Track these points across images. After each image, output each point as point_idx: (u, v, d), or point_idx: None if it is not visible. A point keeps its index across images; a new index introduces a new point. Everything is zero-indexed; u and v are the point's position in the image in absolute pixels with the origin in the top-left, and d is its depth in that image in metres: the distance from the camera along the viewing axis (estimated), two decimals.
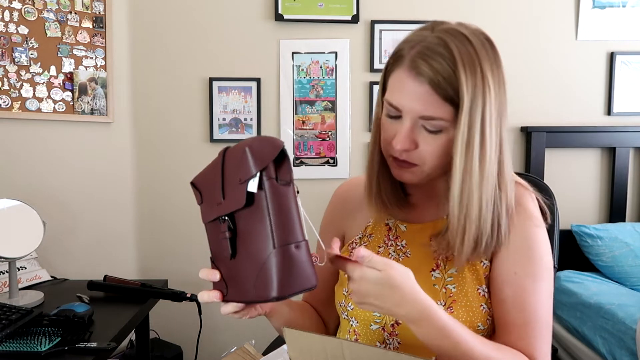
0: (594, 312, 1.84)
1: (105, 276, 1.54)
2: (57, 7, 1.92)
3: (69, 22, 1.95)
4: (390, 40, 2.26)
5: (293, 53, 2.27)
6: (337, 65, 2.28)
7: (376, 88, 2.25)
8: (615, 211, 2.35)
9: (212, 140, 2.27)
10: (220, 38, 2.26)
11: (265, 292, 0.62)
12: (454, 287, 0.82)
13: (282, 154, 0.64)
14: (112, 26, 2.06)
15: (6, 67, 1.82)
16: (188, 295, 1.50)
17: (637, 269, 2.03)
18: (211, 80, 2.26)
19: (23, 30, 1.85)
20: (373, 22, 2.26)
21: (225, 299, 0.71)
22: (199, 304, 1.53)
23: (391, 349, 0.83)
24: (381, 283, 0.67)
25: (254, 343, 0.98)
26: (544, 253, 0.82)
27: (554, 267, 1.04)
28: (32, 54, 1.87)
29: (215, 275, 0.71)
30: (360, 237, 0.93)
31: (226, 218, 0.67)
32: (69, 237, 1.99)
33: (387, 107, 0.79)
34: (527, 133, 2.30)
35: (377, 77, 2.27)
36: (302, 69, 2.28)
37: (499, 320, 0.81)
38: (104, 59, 2.05)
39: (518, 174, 0.91)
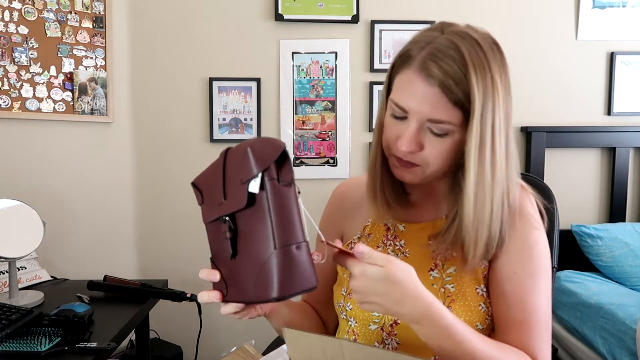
0: (594, 312, 1.84)
1: (105, 276, 1.54)
2: (57, 7, 1.92)
3: (69, 22, 1.95)
4: (390, 40, 2.26)
5: (293, 53, 2.27)
6: (337, 65, 2.28)
7: (376, 88, 2.27)
8: (615, 211, 2.35)
9: (212, 140, 2.28)
10: (220, 38, 2.26)
11: (265, 293, 0.62)
12: (452, 287, 0.82)
13: (284, 155, 0.64)
14: (112, 26, 2.06)
15: (6, 67, 1.82)
16: (188, 295, 1.50)
17: (637, 269, 2.04)
18: (211, 80, 2.26)
19: (23, 30, 1.85)
20: (373, 22, 2.26)
21: (225, 300, 0.71)
22: (199, 304, 1.53)
23: (390, 349, 0.83)
24: (382, 279, 0.66)
25: (254, 343, 0.99)
26: (543, 254, 0.82)
27: (554, 267, 1.04)
28: (32, 54, 1.87)
29: (216, 276, 0.71)
30: (358, 237, 0.93)
31: (227, 218, 0.67)
32: (69, 237, 1.99)
33: (393, 108, 0.78)
34: (527, 133, 2.30)
35: (377, 77, 2.28)
36: (302, 69, 2.28)
37: (499, 319, 0.81)
38: (104, 59, 2.05)
39: None
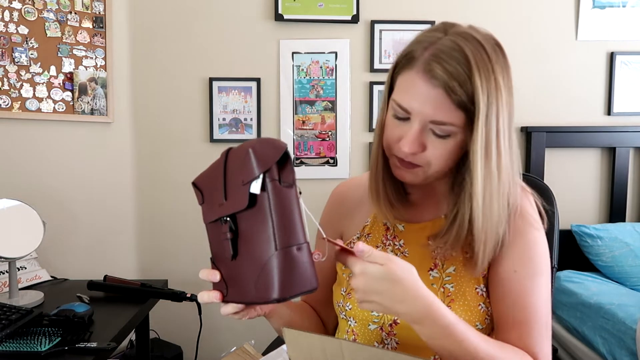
0: (594, 312, 1.84)
1: (105, 276, 1.54)
2: (57, 7, 1.92)
3: (69, 22, 1.95)
4: (390, 40, 2.26)
5: (293, 53, 2.27)
6: (337, 65, 2.28)
7: (376, 88, 2.27)
8: (615, 211, 2.35)
9: (212, 140, 2.28)
10: (220, 38, 2.26)
11: (266, 294, 0.62)
12: (452, 287, 0.82)
13: (285, 156, 0.64)
14: (112, 26, 2.06)
15: (6, 67, 1.82)
16: (188, 295, 1.50)
17: (637, 269, 2.04)
18: (211, 80, 2.26)
19: (23, 30, 1.85)
20: (373, 22, 2.26)
21: (225, 300, 0.71)
22: (199, 304, 1.53)
23: (389, 348, 0.83)
24: (382, 277, 0.66)
25: (254, 343, 0.99)
26: (543, 254, 0.83)
27: (554, 267, 1.05)
28: (32, 54, 1.87)
29: (216, 276, 0.71)
30: (358, 237, 0.93)
31: (228, 219, 0.67)
32: (69, 237, 1.99)
33: (395, 108, 0.77)
34: (527, 133, 2.30)
35: (377, 77, 2.28)
36: (302, 69, 2.28)
37: (499, 319, 0.82)
38: (104, 59, 2.05)
39: None
